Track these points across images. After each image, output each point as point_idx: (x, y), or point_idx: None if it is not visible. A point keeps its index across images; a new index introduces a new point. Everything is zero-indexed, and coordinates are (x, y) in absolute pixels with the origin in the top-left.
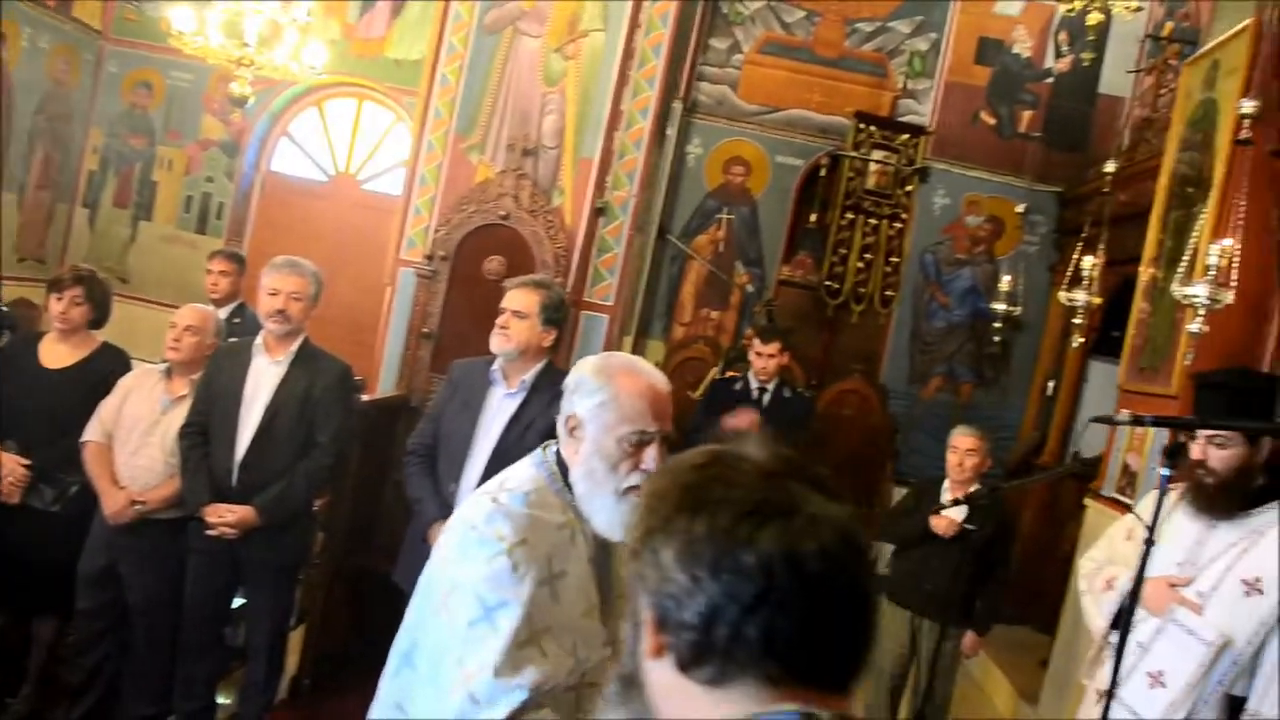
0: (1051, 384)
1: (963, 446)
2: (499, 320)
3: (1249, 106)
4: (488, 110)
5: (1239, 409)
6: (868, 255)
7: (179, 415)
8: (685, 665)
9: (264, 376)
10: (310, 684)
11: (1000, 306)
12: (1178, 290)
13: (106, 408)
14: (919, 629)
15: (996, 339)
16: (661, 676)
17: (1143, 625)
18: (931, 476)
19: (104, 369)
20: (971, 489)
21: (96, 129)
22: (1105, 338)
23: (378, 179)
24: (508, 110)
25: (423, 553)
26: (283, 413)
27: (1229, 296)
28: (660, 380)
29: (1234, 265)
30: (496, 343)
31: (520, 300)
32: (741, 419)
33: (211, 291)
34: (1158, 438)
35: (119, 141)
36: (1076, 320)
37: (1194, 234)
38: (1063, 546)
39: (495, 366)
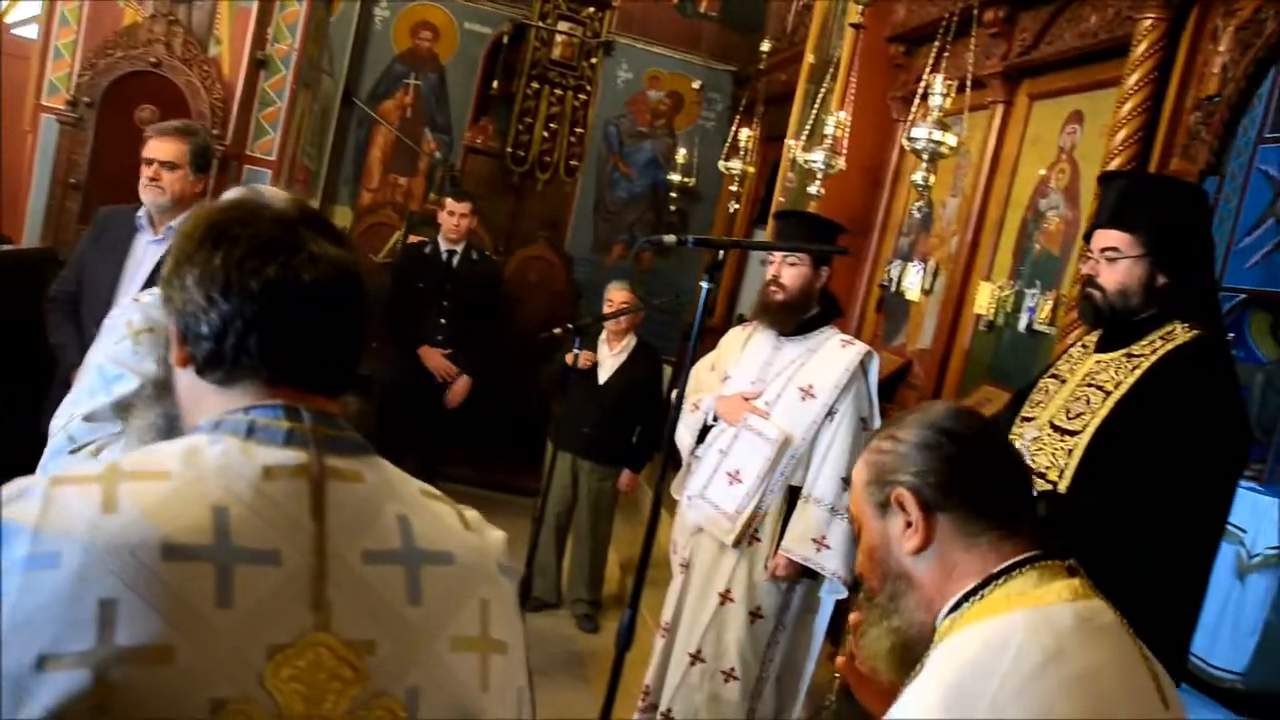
0: (721, 252)
1: (617, 300)
2: (148, 172)
3: None
4: None
5: (807, 237)
6: (553, 125)
7: None
8: (201, 370)
9: None
10: None
11: (676, 178)
12: (800, 156)
13: None
14: (580, 470)
15: (674, 209)
16: (185, 380)
17: (723, 435)
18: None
19: None
20: (625, 339)
21: None
22: (769, 208)
23: (29, 25)
24: None
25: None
26: None
27: (841, 163)
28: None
29: (846, 135)
30: (149, 195)
31: (170, 150)
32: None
33: None
34: None
35: None
36: (733, 188)
37: (816, 108)
38: None
39: (140, 213)
